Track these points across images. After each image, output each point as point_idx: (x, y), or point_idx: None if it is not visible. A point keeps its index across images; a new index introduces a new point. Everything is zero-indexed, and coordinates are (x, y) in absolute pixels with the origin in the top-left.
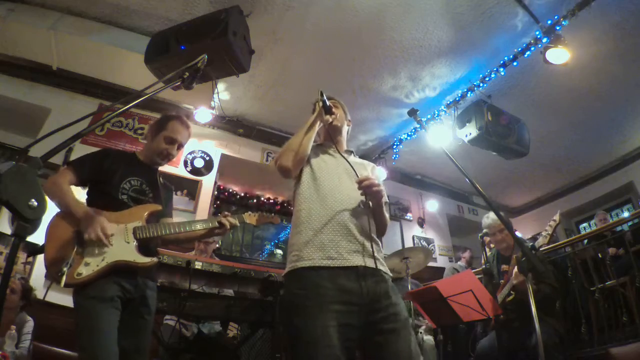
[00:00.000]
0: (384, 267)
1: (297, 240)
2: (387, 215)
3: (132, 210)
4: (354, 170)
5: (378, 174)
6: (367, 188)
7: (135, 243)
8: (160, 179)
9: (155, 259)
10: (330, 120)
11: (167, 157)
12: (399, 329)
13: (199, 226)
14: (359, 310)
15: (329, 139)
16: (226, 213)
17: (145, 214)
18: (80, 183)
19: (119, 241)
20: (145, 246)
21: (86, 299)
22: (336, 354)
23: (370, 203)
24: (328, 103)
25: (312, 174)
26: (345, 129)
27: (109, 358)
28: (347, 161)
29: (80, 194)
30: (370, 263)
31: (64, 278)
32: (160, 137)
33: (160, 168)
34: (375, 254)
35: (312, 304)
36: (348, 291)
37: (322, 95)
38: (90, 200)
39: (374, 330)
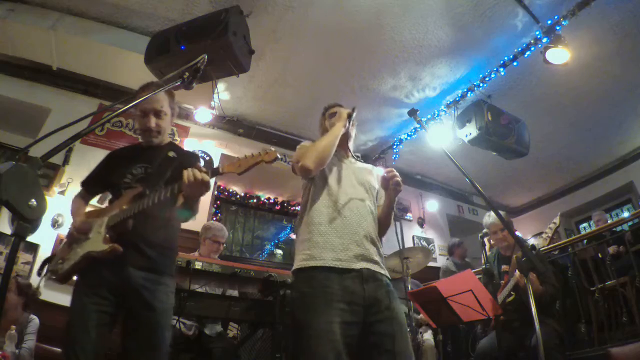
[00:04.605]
0: (384, 271)
1: (308, 240)
2: (392, 217)
3: (118, 200)
4: (360, 171)
5: (378, 175)
6: (392, 177)
7: (104, 233)
8: (171, 153)
9: (114, 245)
10: (352, 131)
11: (150, 131)
12: (395, 332)
13: (167, 193)
14: (360, 310)
15: (341, 146)
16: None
17: (126, 201)
18: (93, 192)
19: (94, 233)
20: (122, 234)
21: (74, 293)
22: (338, 348)
23: (383, 201)
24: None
25: (324, 178)
26: (353, 135)
27: (76, 354)
28: (355, 165)
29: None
30: (373, 267)
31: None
32: (136, 115)
33: None
34: (377, 259)
35: (319, 301)
36: (352, 292)
37: (353, 111)
38: (109, 203)
39: (369, 330)
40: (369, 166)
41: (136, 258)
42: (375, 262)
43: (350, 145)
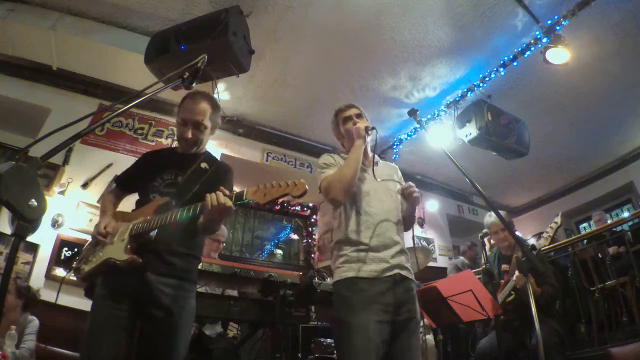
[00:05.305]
0: (411, 276)
1: (347, 255)
2: (414, 218)
3: (144, 208)
4: (381, 172)
5: (400, 174)
6: (410, 194)
7: (126, 241)
8: (204, 164)
9: (134, 257)
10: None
11: (187, 141)
12: (414, 328)
13: (188, 212)
14: (391, 310)
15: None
16: (222, 189)
17: (151, 211)
18: (126, 190)
19: (117, 239)
20: (144, 243)
21: (94, 296)
22: (376, 344)
23: (405, 206)
24: (370, 127)
25: (353, 197)
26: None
27: (93, 357)
28: (378, 171)
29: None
30: (403, 272)
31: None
32: (177, 123)
33: None
34: (407, 265)
35: (357, 302)
36: (384, 295)
37: (373, 129)
38: (136, 204)
39: (396, 328)
40: (390, 168)
41: (157, 265)
42: (406, 269)
43: (369, 150)
